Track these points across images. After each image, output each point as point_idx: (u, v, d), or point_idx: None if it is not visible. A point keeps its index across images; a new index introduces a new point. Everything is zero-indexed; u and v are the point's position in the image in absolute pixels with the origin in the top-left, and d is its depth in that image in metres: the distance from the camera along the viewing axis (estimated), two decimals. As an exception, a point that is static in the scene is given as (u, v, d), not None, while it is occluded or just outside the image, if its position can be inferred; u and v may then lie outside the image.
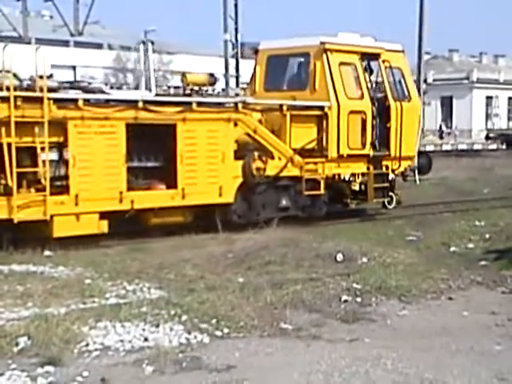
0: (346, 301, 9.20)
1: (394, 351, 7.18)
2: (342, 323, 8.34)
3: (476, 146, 54.34)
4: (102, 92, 13.77)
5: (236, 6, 34.99)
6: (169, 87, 18.85)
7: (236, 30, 35.41)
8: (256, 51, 17.19)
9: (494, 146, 52.49)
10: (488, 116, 79.44)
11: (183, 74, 15.08)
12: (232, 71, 35.42)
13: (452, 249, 12.89)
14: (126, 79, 51.36)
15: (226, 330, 7.78)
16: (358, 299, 9.30)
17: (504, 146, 51.92)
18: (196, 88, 14.65)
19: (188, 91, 14.62)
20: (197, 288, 9.48)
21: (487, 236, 13.82)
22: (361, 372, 6.64)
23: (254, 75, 17.16)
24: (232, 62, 35.73)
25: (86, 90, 13.41)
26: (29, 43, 48.37)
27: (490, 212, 17.32)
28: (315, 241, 12.78)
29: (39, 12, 65.54)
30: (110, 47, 62.16)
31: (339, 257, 11.47)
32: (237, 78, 35.37)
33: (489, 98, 79.38)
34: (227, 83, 34.30)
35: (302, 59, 16.68)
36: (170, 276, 10.37)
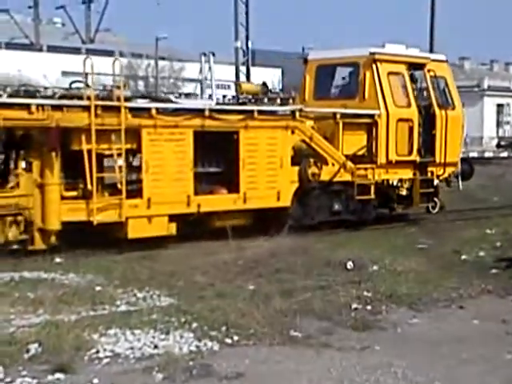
0: (356, 309, 9.18)
1: (405, 359, 7.17)
2: (352, 331, 8.32)
3: (487, 154, 54.14)
4: (170, 101, 14.47)
5: (247, 13, 35.12)
6: (180, 94, 19.04)
7: (247, 37, 35.52)
8: (305, 61, 17.89)
9: (505, 154, 52.28)
10: (499, 124, 79.19)
11: (238, 84, 16.19)
12: (243, 78, 35.50)
13: (463, 257, 12.85)
14: (138, 87, 51.46)
15: (235, 338, 7.78)
16: (369, 307, 9.27)
17: (515, 154, 51.71)
18: (250, 96, 15.61)
19: (242, 100, 15.57)
20: (207, 295, 9.49)
21: (498, 244, 13.79)
22: (371, 380, 6.63)
23: (303, 84, 17.80)
24: (243, 69, 35.83)
25: (155, 99, 14.33)
26: (40, 50, 48.67)
27: (501, 220, 17.27)
28: (325, 249, 12.78)
29: (51, 19, 65.84)
30: (121, 54, 62.36)
31: (349, 265, 11.45)
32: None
33: (500, 105, 79.15)
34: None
35: (352, 69, 17.32)
36: (180, 283, 10.37)
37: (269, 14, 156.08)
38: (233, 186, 14.46)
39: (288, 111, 15.33)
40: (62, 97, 12.89)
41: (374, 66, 16.56)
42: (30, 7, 47.96)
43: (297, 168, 15.25)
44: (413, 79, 17.29)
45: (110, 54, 61.93)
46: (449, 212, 18.76)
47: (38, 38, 44.93)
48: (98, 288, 9.94)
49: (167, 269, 11.33)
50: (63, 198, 12.68)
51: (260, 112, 14.80)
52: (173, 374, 6.69)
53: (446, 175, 17.95)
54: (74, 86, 13.69)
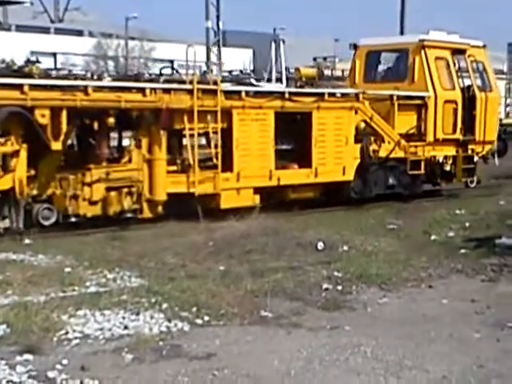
0: (326, 289, 9.21)
1: (374, 339, 7.21)
2: (322, 311, 8.35)
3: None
4: (252, 84, 15.95)
5: (218, -7, 34.94)
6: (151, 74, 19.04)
7: (218, 17, 35.36)
8: (355, 47, 19.32)
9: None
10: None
11: (297, 68, 17.62)
12: (214, 59, 35.36)
13: (432, 237, 12.93)
14: (107, 67, 51.05)
15: (206, 318, 7.78)
16: (339, 287, 9.31)
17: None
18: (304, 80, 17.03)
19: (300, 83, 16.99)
20: (177, 276, 9.47)
21: (467, 224, 13.89)
22: (341, 359, 6.66)
23: (353, 68, 19.38)
24: (214, 49, 35.68)
25: (239, 83, 15.86)
26: (9, 30, 48.04)
27: (471, 201, 17.47)
28: (296, 229, 12.79)
29: (19, -2, 65.04)
30: (91, 34, 61.78)
31: (320, 245, 11.49)
32: (219, 65, 35.32)
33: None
34: (208, 70, 34.20)
35: (401, 54, 18.89)
36: (151, 264, 10.34)
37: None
38: (305, 162, 16.05)
39: (352, 93, 16.81)
40: (165, 81, 14.31)
41: (422, 52, 18.05)
42: (-3, -14, 47.22)
43: (359, 145, 16.71)
44: (455, 63, 18.77)
45: (79, 33, 61.44)
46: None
47: (6, 18, 44.29)
48: (67, 269, 9.88)
49: (137, 250, 11.30)
50: (167, 171, 14.11)
51: (330, 94, 16.32)
52: (143, 355, 6.66)
53: (484, 152, 19.59)
54: (164, 71, 15.44)
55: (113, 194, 13.42)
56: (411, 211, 15.99)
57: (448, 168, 18.91)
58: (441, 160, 18.71)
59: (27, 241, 12.03)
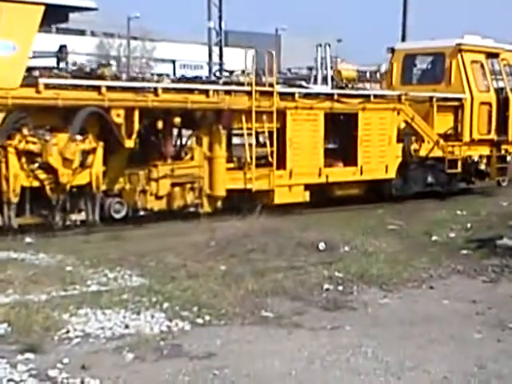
0: (327, 289, 9.20)
1: (375, 339, 7.21)
2: (323, 311, 8.34)
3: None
4: (302, 86, 16.76)
5: (220, -6, 34.93)
6: (152, 74, 19.13)
7: (220, 17, 35.38)
8: (392, 50, 20.11)
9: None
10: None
11: (338, 70, 18.22)
12: (215, 59, 35.39)
13: (433, 238, 12.92)
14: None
15: (207, 318, 7.78)
16: (340, 287, 9.30)
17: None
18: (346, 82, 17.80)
19: (342, 85, 17.61)
20: (178, 276, 9.47)
21: (468, 225, 13.89)
22: (342, 360, 6.66)
23: (390, 71, 20.19)
24: (216, 49, 35.69)
25: (290, 85, 16.72)
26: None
27: (472, 201, 17.48)
28: (297, 229, 12.78)
29: (21, -2, 65.03)
30: (93, 34, 61.80)
31: (321, 245, 11.48)
32: (220, 65, 35.35)
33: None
34: (210, 71, 34.27)
35: (438, 58, 19.62)
36: (152, 263, 10.34)
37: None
38: (350, 160, 16.77)
39: (395, 95, 17.51)
40: (225, 83, 15.12)
41: (459, 56, 18.80)
42: (-1, -15, 47.13)
43: (400, 145, 17.44)
44: (490, 67, 19.57)
45: (81, 33, 61.41)
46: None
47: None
48: (68, 268, 9.88)
49: (139, 249, 11.29)
50: (226, 169, 14.82)
51: (375, 96, 17.16)
52: (143, 354, 6.66)
53: None
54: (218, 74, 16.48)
55: (177, 189, 14.15)
56: (412, 212, 15.97)
57: (482, 167, 19.57)
58: (476, 159, 19.35)
59: (28, 240, 12.03)
